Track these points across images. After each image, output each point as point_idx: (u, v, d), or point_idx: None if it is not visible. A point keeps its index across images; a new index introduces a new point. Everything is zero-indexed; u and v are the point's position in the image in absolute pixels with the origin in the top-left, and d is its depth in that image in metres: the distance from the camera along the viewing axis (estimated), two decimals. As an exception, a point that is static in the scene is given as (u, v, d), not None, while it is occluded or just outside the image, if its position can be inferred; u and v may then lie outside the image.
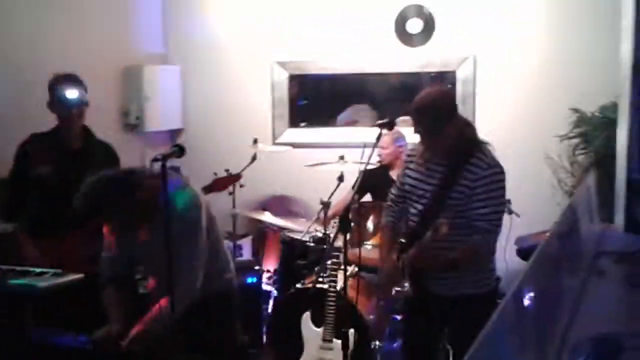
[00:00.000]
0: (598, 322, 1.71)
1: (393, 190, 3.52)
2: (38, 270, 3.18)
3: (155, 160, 2.78)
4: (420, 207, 3.25)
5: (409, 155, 3.45)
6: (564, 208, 5.07)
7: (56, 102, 3.67)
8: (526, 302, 1.53)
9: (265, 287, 4.93)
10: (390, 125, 3.41)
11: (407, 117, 5.74)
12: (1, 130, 4.22)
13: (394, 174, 5.14)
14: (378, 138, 3.35)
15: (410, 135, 5.18)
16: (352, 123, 6.01)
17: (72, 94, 3.66)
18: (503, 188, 3.14)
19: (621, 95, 2.83)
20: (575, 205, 1.99)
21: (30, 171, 3.64)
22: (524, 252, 2.92)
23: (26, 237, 3.59)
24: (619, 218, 2.69)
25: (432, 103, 3.15)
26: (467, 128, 3.26)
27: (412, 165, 3.36)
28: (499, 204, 3.13)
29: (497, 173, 3.10)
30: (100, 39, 5.25)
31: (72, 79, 3.69)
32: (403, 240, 3.29)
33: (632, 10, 2.73)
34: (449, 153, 3.18)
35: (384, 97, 6.01)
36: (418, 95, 3.21)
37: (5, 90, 4.38)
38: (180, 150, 2.90)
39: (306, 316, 4.12)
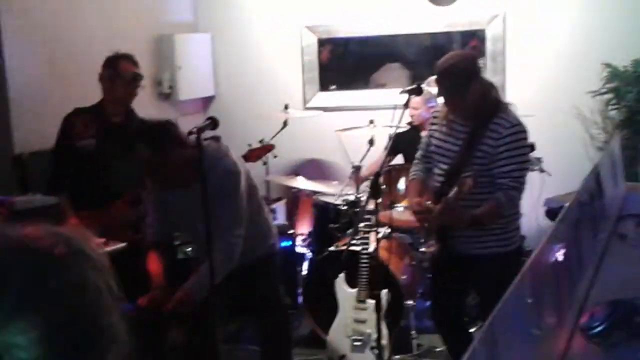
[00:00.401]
0: (617, 286, 1.75)
1: (419, 150, 3.58)
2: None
3: (190, 133, 2.86)
4: (445, 166, 3.32)
5: (434, 117, 3.50)
6: (589, 170, 5.10)
7: (119, 80, 3.77)
8: (549, 264, 1.59)
9: (299, 249, 5.03)
10: (418, 91, 3.44)
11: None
12: (40, 101, 4.33)
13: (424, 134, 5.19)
14: (406, 104, 3.38)
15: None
16: (383, 85, 6.01)
17: (134, 72, 3.78)
18: (525, 147, 3.20)
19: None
20: (599, 168, 2.01)
21: (74, 144, 3.75)
22: (553, 213, 2.95)
23: (68, 209, 3.71)
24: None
25: (453, 66, 3.20)
26: (490, 90, 3.29)
27: (436, 127, 3.42)
28: (522, 162, 3.19)
29: (519, 132, 3.15)
30: (131, 9, 5.31)
31: (133, 60, 3.82)
32: (428, 202, 3.34)
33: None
34: (472, 114, 3.24)
35: (414, 57, 5.98)
36: (441, 59, 3.25)
37: (43, 61, 4.45)
38: (213, 124, 2.97)
39: (340, 277, 4.21)
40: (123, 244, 3.28)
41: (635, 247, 2.02)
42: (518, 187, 3.17)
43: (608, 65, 5.22)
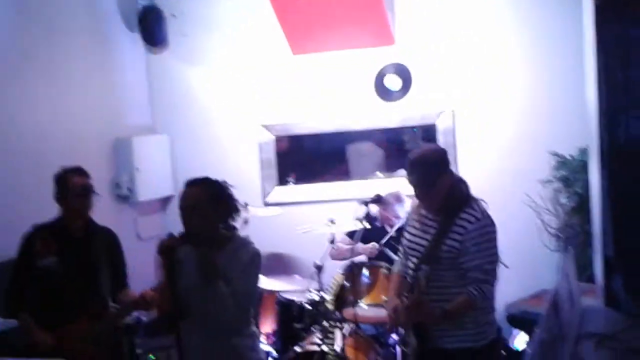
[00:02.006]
0: None
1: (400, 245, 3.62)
2: (43, 361, 3.20)
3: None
4: (415, 260, 3.34)
5: (410, 213, 3.57)
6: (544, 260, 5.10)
7: (71, 195, 3.72)
8: None
9: (264, 347, 4.94)
10: (379, 201, 3.49)
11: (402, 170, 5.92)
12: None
13: (391, 230, 5.23)
14: (367, 215, 3.40)
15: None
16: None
17: (87, 188, 3.73)
18: (493, 240, 3.24)
19: (590, 162, 2.92)
20: (557, 293, 2.04)
21: (34, 262, 3.67)
22: (514, 319, 2.95)
23: (34, 324, 3.60)
24: (600, 289, 2.76)
25: (423, 157, 3.32)
26: (459, 184, 3.36)
27: (410, 221, 3.49)
28: (491, 255, 3.22)
29: (486, 226, 3.21)
30: (88, 113, 5.32)
31: (83, 172, 3.78)
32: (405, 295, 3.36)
33: (594, 66, 2.83)
34: (441, 207, 3.30)
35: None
36: (412, 151, 3.35)
37: (5, 174, 4.36)
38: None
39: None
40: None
41: None
42: (489, 279, 3.19)
43: (555, 154, 5.38)
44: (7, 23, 4.58)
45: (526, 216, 5.43)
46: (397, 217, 5.02)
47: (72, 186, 3.71)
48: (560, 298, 2.10)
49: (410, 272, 3.37)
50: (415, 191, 3.36)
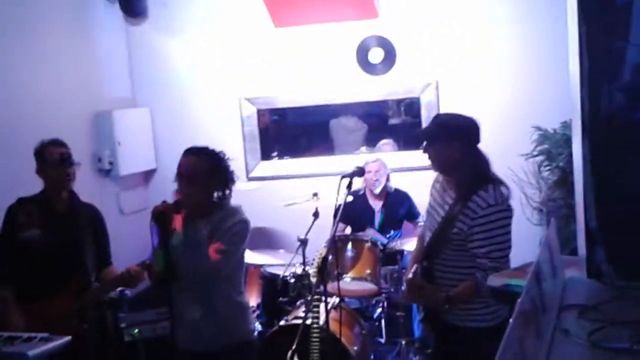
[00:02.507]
0: None
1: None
2: (25, 335, 3.19)
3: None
4: (429, 235, 3.25)
5: (437, 179, 3.38)
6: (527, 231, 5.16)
7: (50, 167, 3.69)
8: None
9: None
10: (360, 173, 3.48)
11: (386, 142, 5.95)
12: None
13: (375, 204, 5.27)
14: (349, 186, 3.38)
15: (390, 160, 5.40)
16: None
17: (64, 157, 3.70)
18: (506, 227, 3.07)
19: (574, 136, 2.93)
20: (539, 265, 2.05)
21: (17, 235, 3.66)
22: (497, 293, 2.94)
23: (12, 303, 3.60)
24: (582, 261, 2.79)
25: (449, 121, 3.24)
26: (481, 164, 3.18)
27: (435, 184, 3.35)
28: (502, 242, 3.06)
29: (496, 212, 3.03)
30: (67, 86, 5.27)
31: (60, 143, 3.74)
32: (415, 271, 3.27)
33: (576, 37, 2.84)
34: (458, 184, 3.15)
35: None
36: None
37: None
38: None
39: (292, 352, 4.16)
40: (67, 338, 3.16)
41: (577, 344, 2.04)
42: (498, 267, 3.02)
43: (538, 128, 5.41)
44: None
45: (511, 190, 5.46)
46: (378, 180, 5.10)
47: (49, 157, 3.68)
48: (542, 269, 2.12)
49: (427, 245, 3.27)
50: (431, 155, 3.19)
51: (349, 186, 3.38)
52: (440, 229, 3.18)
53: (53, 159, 3.69)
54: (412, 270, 3.21)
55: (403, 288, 3.47)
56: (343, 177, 3.39)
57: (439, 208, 3.25)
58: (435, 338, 3.61)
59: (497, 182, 3.14)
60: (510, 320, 1.60)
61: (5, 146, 4.47)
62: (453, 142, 3.12)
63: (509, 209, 3.10)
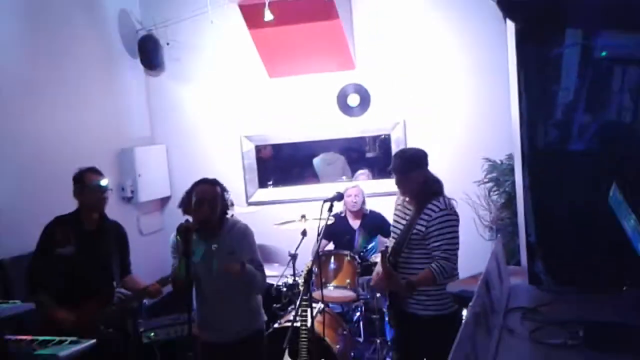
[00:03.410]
0: None
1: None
2: (57, 338, 3.13)
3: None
4: (394, 240, 3.47)
5: (398, 201, 3.63)
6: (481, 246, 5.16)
7: (88, 190, 3.64)
8: None
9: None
10: (340, 198, 3.52)
11: (363, 172, 5.95)
12: (18, 209, 4.19)
13: (353, 223, 5.24)
14: (330, 209, 3.44)
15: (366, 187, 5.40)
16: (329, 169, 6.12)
17: (102, 182, 3.67)
18: (454, 227, 3.33)
19: (515, 163, 2.96)
20: (488, 273, 2.05)
21: (54, 250, 3.60)
22: (454, 296, 3.01)
23: (54, 305, 3.52)
24: (524, 273, 2.79)
25: (404, 152, 3.57)
26: (432, 182, 3.45)
27: (396, 208, 3.60)
28: (451, 239, 3.31)
29: (448, 215, 3.32)
30: (96, 126, 5.27)
31: (97, 171, 3.70)
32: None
33: (516, 82, 2.86)
34: (414, 197, 3.40)
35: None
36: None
37: (19, 174, 4.34)
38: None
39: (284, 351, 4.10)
40: (93, 341, 3.11)
41: (521, 341, 2.03)
42: (449, 257, 3.27)
43: (487, 159, 5.44)
44: (29, 51, 4.57)
45: (465, 211, 5.43)
46: (358, 201, 5.09)
47: (88, 182, 3.64)
48: (491, 277, 2.11)
49: (391, 249, 3.48)
50: (396, 180, 3.45)
51: (330, 209, 3.43)
52: (402, 233, 3.40)
53: (91, 184, 3.64)
54: (381, 261, 3.34)
55: (374, 275, 3.54)
56: (325, 201, 3.45)
57: (401, 220, 3.48)
58: (395, 326, 3.65)
59: (447, 197, 3.44)
60: (463, 321, 1.58)
61: (45, 173, 4.47)
62: (417, 171, 3.41)
63: (456, 214, 3.38)
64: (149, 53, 5.91)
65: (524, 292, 2.59)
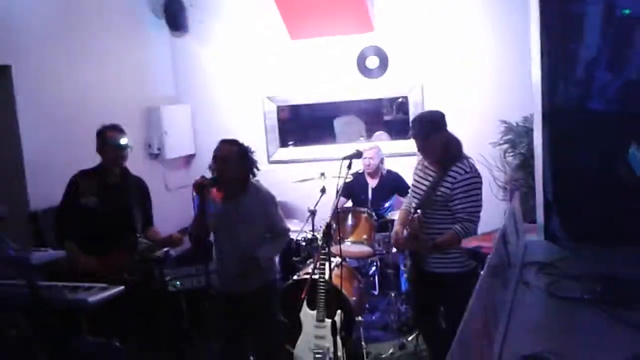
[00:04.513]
0: (526, 336, 1.64)
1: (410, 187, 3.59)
2: (87, 285, 3.13)
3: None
4: (416, 201, 3.33)
5: (418, 163, 3.50)
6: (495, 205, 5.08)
7: (108, 147, 3.61)
8: (478, 319, 1.47)
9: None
10: (358, 156, 3.44)
11: (381, 133, 5.85)
12: (49, 163, 4.17)
13: (371, 182, 5.17)
14: (349, 166, 3.37)
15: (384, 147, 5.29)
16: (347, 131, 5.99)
17: (122, 140, 3.64)
18: (478, 189, 3.23)
19: (535, 120, 2.84)
20: (505, 227, 1.97)
21: (78, 201, 3.59)
22: (469, 253, 2.96)
23: (79, 253, 3.53)
24: (540, 227, 2.70)
25: (423, 116, 3.38)
26: (452, 142, 3.30)
27: (416, 170, 3.46)
28: (475, 201, 3.21)
29: (471, 177, 3.20)
30: (124, 86, 5.22)
31: (119, 128, 3.67)
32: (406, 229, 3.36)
33: (538, 40, 2.73)
34: (436, 160, 3.27)
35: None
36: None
37: (51, 129, 4.34)
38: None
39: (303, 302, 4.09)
40: (121, 288, 3.10)
41: (537, 294, 1.97)
42: (472, 219, 3.18)
43: (504, 122, 5.30)
44: (60, 10, 4.52)
45: (480, 172, 5.34)
46: (373, 164, 4.99)
47: (109, 139, 3.61)
48: (507, 232, 2.04)
49: (412, 210, 3.35)
50: (417, 144, 3.32)
51: (349, 166, 3.35)
52: (426, 194, 3.26)
53: (112, 141, 3.62)
54: (410, 218, 3.23)
55: (394, 234, 3.45)
56: (344, 158, 3.37)
57: (422, 181, 3.34)
58: (415, 286, 3.58)
59: (467, 157, 3.30)
60: (481, 272, 1.52)
61: (74, 131, 4.44)
62: (437, 133, 3.24)
63: (480, 176, 3.26)
64: (174, 14, 5.80)
65: (539, 247, 2.52)
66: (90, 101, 4.69)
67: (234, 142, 3.40)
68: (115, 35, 5.13)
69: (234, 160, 3.32)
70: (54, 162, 4.19)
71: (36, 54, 4.26)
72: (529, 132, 5.10)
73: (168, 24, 5.84)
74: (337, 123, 6.06)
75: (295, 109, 6.08)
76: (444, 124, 3.32)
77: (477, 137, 5.36)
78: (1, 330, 2.82)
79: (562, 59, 2.59)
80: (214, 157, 3.34)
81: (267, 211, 3.42)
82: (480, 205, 3.24)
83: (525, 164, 5.03)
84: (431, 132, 3.23)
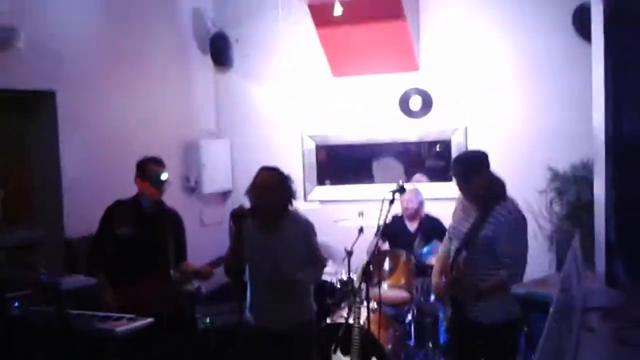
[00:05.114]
0: None
1: (447, 232, 3.45)
2: (116, 315, 3.06)
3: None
4: (456, 244, 3.18)
5: (458, 204, 3.36)
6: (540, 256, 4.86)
7: (147, 179, 3.59)
8: None
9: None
10: (402, 190, 3.32)
11: (419, 175, 5.70)
12: (88, 192, 4.17)
13: (410, 225, 5.01)
14: (392, 202, 3.25)
15: (424, 190, 5.15)
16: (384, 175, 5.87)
17: (162, 174, 3.62)
18: (523, 232, 3.09)
19: (596, 160, 2.69)
20: (567, 268, 1.83)
21: (113, 231, 3.56)
22: (520, 299, 2.79)
23: (107, 287, 3.48)
24: (600, 272, 2.52)
25: (466, 155, 3.36)
26: (496, 183, 3.18)
27: (456, 211, 3.32)
28: (522, 244, 3.07)
29: (517, 220, 3.07)
30: (166, 119, 5.27)
31: (160, 162, 3.66)
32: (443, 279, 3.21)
33: (602, 86, 2.60)
34: (479, 200, 3.13)
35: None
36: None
37: (91, 160, 4.37)
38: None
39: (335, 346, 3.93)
40: (150, 320, 3.02)
41: (603, 341, 1.80)
42: (519, 264, 3.03)
43: (551, 169, 5.13)
44: (109, 44, 4.63)
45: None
46: (411, 206, 4.83)
47: (149, 172, 3.59)
48: (570, 274, 1.89)
49: (452, 254, 3.20)
50: (457, 185, 3.20)
51: (392, 201, 3.24)
52: (466, 236, 3.10)
53: (151, 174, 3.60)
54: (451, 262, 3.09)
55: (433, 280, 3.29)
56: (389, 192, 3.27)
57: (463, 222, 3.19)
58: (456, 336, 3.38)
59: (512, 198, 3.16)
60: (550, 313, 1.38)
61: (113, 161, 4.48)
62: (480, 174, 3.12)
63: (524, 219, 3.11)
64: (219, 50, 5.87)
65: (600, 292, 2.34)
66: (131, 132, 4.72)
67: (274, 170, 3.33)
68: (160, 68, 5.21)
69: (273, 188, 3.22)
70: (91, 191, 4.20)
71: (81, 82, 4.33)
72: (576, 180, 4.92)
73: (213, 59, 5.92)
74: (376, 164, 5.96)
75: (334, 148, 6.00)
76: (487, 164, 3.20)
77: (522, 184, 5.16)
78: (27, 354, 2.75)
79: (629, 88, 2.44)
80: (253, 184, 3.24)
81: (307, 240, 3.33)
82: (527, 249, 3.08)
83: (573, 214, 4.83)
84: (474, 171, 3.11)
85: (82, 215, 4.02)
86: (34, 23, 3.92)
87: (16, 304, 2.94)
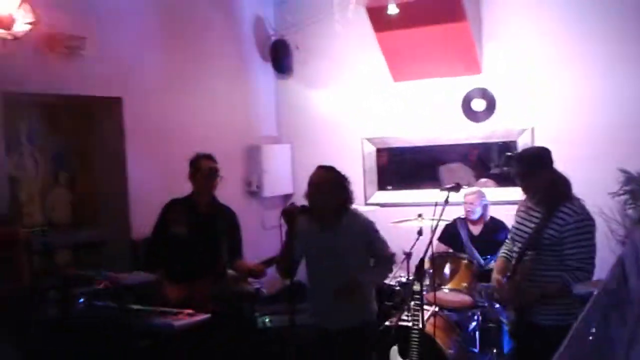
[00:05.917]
0: None
1: (510, 232, 3.37)
2: (175, 310, 3.13)
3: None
4: (519, 245, 3.09)
5: (520, 204, 3.27)
6: (613, 262, 4.64)
7: (200, 174, 3.67)
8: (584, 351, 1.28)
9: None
10: (457, 189, 3.24)
11: (485, 180, 5.55)
12: (152, 196, 4.28)
13: (473, 229, 4.88)
14: (446, 200, 3.17)
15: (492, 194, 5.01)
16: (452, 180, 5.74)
17: (212, 169, 3.69)
18: (591, 233, 2.99)
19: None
20: (624, 258, 1.71)
21: (168, 229, 3.65)
22: (581, 300, 2.65)
23: (169, 281, 3.56)
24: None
25: (528, 152, 3.24)
26: (560, 181, 3.08)
27: (519, 212, 3.23)
28: (588, 246, 2.97)
29: (584, 220, 2.98)
30: (229, 124, 5.36)
31: (211, 157, 3.74)
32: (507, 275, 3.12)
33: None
34: (542, 200, 3.03)
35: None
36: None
37: (156, 165, 4.49)
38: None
39: (394, 349, 3.87)
40: (208, 315, 3.08)
41: None
42: (584, 267, 2.93)
43: (623, 170, 4.84)
44: (173, 52, 4.78)
45: (597, 224, 4.91)
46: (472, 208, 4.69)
47: (201, 168, 3.67)
48: (627, 262, 1.76)
49: (515, 255, 3.09)
50: (519, 184, 3.10)
51: (446, 200, 3.16)
52: (530, 237, 2.98)
53: (204, 170, 3.67)
54: (513, 263, 3.00)
55: (495, 284, 3.16)
56: (442, 189, 3.20)
57: (527, 223, 3.07)
58: (520, 342, 3.25)
59: (577, 197, 3.05)
60: (594, 294, 1.31)
61: (177, 164, 4.49)
62: (541, 171, 3.03)
63: (592, 219, 3.00)
64: (280, 57, 5.95)
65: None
66: (195, 137, 4.82)
67: (330, 169, 3.29)
68: (223, 76, 5.34)
69: (327, 187, 3.19)
70: (156, 194, 4.31)
71: (147, 89, 4.48)
72: (653, 182, 4.64)
73: (274, 66, 6.00)
74: (443, 169, 5.84)
75: (395, 152, 5.94)
76: (550, 161, 3.07)
77: (593, 187, 4.88)
78: (90, 347, 2.85)
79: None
80: (308, 183, 3.24)
81: (369, 238, 3.27)
82: (594, 251, 2.95)
83: (648, 216, 4.54)
84: (535, 169, 2.99)
85: (148, 217, 4.14)
86: (102, 33, 4.10)
87: (81, 300, 3.07)
